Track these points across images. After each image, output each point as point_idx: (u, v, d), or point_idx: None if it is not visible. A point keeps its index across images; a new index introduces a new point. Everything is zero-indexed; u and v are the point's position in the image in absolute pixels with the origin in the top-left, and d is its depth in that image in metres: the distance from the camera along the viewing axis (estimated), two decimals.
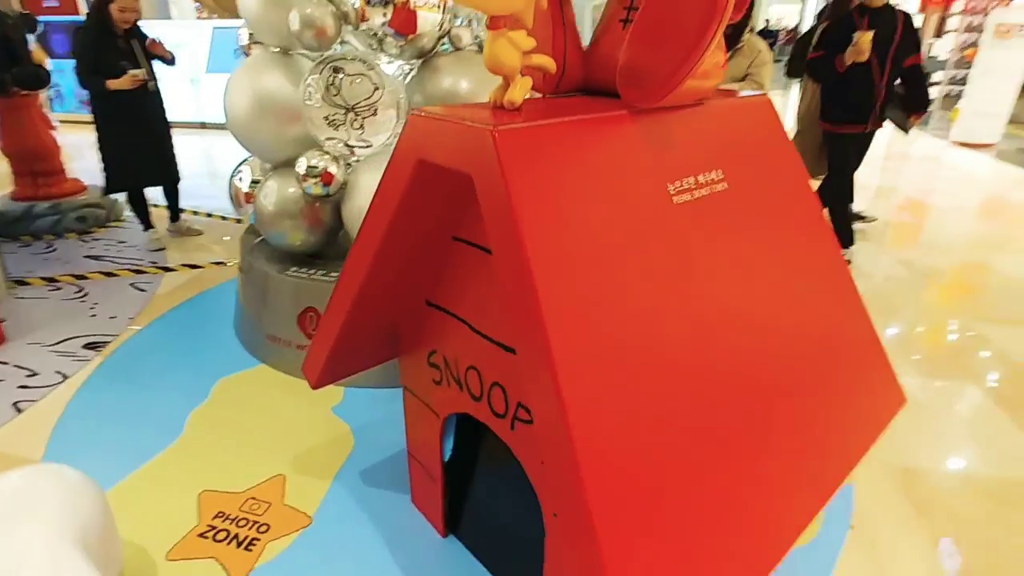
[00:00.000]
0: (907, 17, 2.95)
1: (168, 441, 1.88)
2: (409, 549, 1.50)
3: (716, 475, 0.97)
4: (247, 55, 2.43)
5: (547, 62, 1.01)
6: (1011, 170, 5.83)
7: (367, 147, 2.06)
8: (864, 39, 2.75)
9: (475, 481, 1.47)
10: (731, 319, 1.07)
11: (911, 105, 3.15)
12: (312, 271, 2.18)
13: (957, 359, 2.44)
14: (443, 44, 2.19)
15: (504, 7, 0.89)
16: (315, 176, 2.03)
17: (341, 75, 1.96)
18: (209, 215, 4.13)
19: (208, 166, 5.82)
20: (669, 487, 0.89)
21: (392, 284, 1.23)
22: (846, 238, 3.31)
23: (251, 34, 2.41)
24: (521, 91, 0.95)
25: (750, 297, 1.14)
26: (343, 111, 2.00)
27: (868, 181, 4.85)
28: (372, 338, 1.40)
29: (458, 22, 2.16)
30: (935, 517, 1.62)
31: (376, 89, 1.98)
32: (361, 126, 2.02)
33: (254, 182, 2.41)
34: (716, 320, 1.04)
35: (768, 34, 16.49)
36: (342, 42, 2.11)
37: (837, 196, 3.28)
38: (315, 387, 1.46)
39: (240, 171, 2.45)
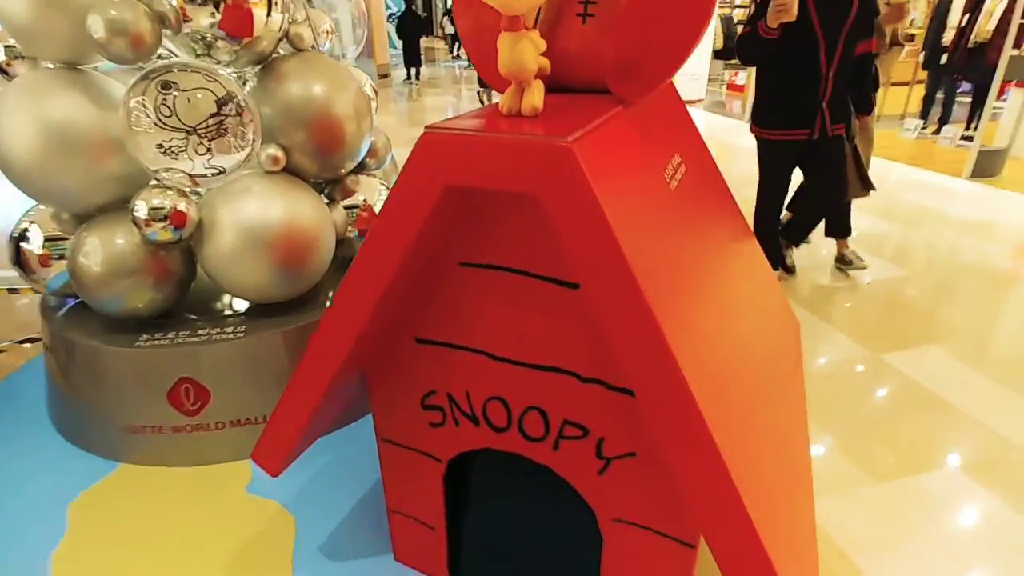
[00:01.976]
0: None
1: None
2: None
3: (773, 460, 1.04)
4: (5, 74, 1.83)
5: (546, 62, 0.94)
6: (716, 118, 7.44)
7: (219, 173, 1.72)
8: None
9: (476, 516, 1.37)
10: (729, 303, 1.15)
11: (856, 103, 2.51)
12: (172, 334, 1.77)
13: None
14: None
15: (530, 3, 0.80)
16: (162, 219, 1.63)
17: (174, 92, 1.60)
18: None
19: None
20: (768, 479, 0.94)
21: (380, 327, 1.06)
22: (775, 260, 2.82)
23: (8, 47, 1.82)
24: (540, 95, 0.88)
25: (725, 279, 1.23)
26: (182, 135, 1.63)
27: None
28: (343, 397, 1.20)
29: (299, 18, 1.90)
30: None
31: (224, 103, 1.65)
32: (208, 150, 1.67)
33: (49, 240, 1.86)
34: (727, 305, 1.11)
35: None
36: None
37: (761, 219, 2.70)
38: (277, 475, 1.21)
39: (25, 229, 1.86)
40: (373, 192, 2.09)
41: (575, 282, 0.91)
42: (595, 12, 1.08)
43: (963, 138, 5.98)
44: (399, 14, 11.71)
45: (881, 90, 3.08)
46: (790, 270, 3.05)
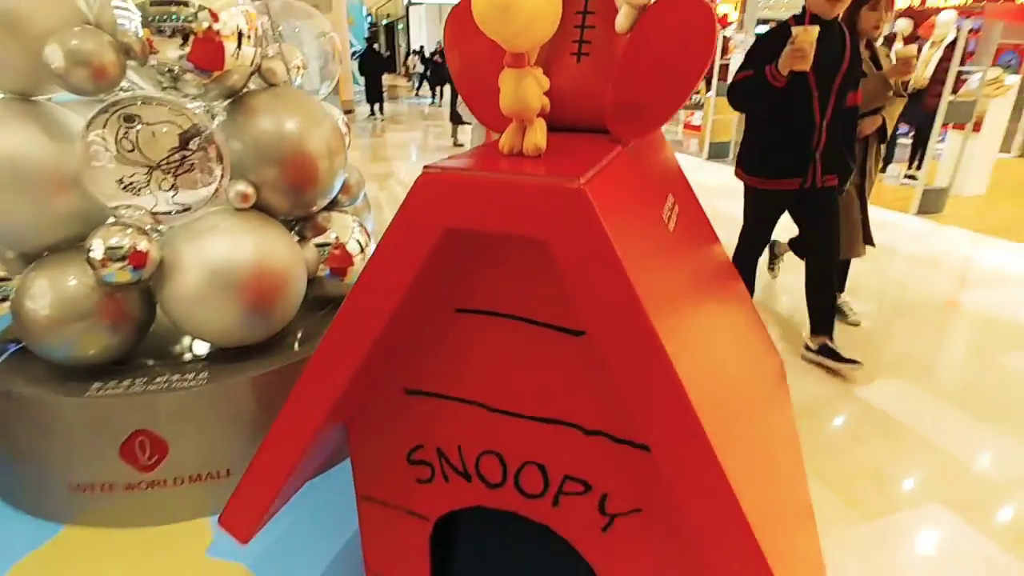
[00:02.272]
0: (853, 39, 2.25)
1: None
2: None
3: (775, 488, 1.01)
4: None
5: (547, 100, 0.91)
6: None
7: (183, 210, 1.63)
8: (806, 35, 1.96)
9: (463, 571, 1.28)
10: (728, 347, 1.13)
11: (832, 161, 2.31)
12: (127, 382, 1.64)
13: None
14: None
15: (536, 39, 0.77)
16: (120, 259, 1.52)
17: (137, 125, 1.51)
18: None
19: None
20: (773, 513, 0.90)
21: (368, 377, 0.99)
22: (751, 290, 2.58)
23: None
24: (543, 134, 0.85)
25: (722, 323, 1.21)
26: (145, 170, 1.54)
27: None
28: (322, 451, 1.11)
29: (270, 52, 1.85)
30: None
31: (191, 138, 1.58)
32: (173, 186, 1.58)
33: None
34: (726, 349, 1.08)
35: None
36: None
37: (742, 255, 2.57)
38: (247, 541, 1.10)
39: None
40: (346, 230, 2.02)
41: (580, 329, 0.87)
42: (589, 51, 1.07)
43: (907, 176, 6.30)
44: (361, 52, 11.86)
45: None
46: (840, 359, 2.54)
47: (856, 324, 3.02)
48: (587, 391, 0.90)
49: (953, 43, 5.40)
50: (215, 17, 1.59)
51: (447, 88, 10.61)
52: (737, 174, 2.51)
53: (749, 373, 1.23)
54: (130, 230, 1.55)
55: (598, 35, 1.05)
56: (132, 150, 1.53)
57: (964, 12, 7.77)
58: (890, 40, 6.19)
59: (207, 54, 1.62)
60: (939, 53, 5.96)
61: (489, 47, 0.82)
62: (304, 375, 0.96)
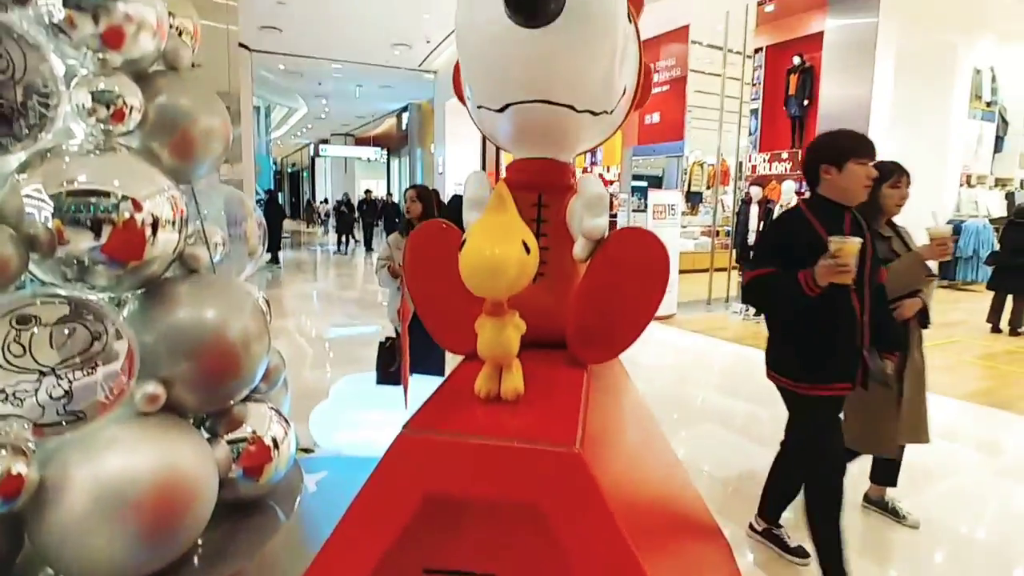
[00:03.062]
0: (865, 216, 2.07)
1: None
2: None
3: None
4: None
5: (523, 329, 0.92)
6: None
7: (77, 421, 1.42)
8: (849, 248, 1.74)
9: None
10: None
11: (886, 341, 2.13)
12: None
13: None
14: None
15: (515, 292, 0.78)
16: None
17: (33, 328, 1.35)
18: None
19: None
20: None
21: None
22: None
23: None
24: (521, 376, 0.84)
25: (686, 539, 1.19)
26: (34, 376, 1.35)
27: None
28: None
29: (191, 241, 1.78)
30: None
31: (95, 339, 1.42)
32: (67, 392, 1.39)
33: None
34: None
35: None
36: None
37: (823, 500, 2.04)
38: None
39: None
40: (262, 421, 1.84)
41: None
42: (545, 271, 1.11)
43: None
44: (264, 201, 12.00)
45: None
46: (787, 549, 2.35)
47: (915, 526, 2.60)
48: None
49: None
50: (138, 206, 1.51)
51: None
52: (772, 377, 2.14)
53: None
54: (3, 452, 1.31)
55: (553, 256, 1.10)
56: (22, 355, 1.35)
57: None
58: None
59: (125, 245, 1.52)
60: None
61: (452, 281, 0.82)
62: None
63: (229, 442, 1.77)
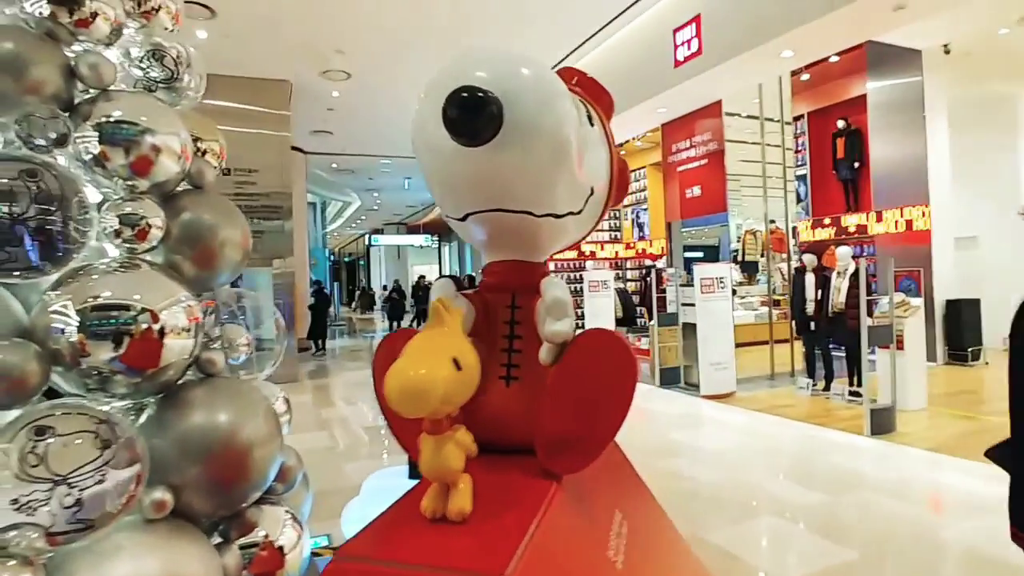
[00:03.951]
0: None
1: None
2: None
3: None
4: None
5: (474, 449, 0.88)
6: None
7: (86, 529, 1.45)
8: None
9: None
10: None
11: None
12: None
13: None
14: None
15: (454, 408, 0.76)
16: None
17: (49, 438, 1.41)
18: None
19: None
20: None
21: None
22: None
23: None
24: (468, 497, 0.79)
25: None
26: (48, 486, 1.40)
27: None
28: None
29: (214, 346, 1.86)
30: None
31: (106, 448, 1.47)
32: (78, 501, 1.43)
33: None
34: None
35: None
36: None
37: None
38: None
39: None
40: (276, 525, 1.83)
41: None
42: (518, 375, 1.08)
43: (851, 394, 6.53)
44: (314, 291, 12.75)
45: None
46: None
47: None
48: None
49: (856, 272, 6.07)
50: (155, 318, 1.60)
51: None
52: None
53: None
54: (12, 563, 1.34)
55: (525, 359, 1.08)
56: (37, 465, 1.40)
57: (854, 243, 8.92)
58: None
59: (141, 354, 1.60)
60: (846, 281, 6.67)
61: None
62: None
63: (241, 547, 1.76)
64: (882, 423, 5.29)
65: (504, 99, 0.88)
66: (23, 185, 1.50)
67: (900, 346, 6.22)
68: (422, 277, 17.65)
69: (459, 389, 0.73)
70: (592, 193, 1.16)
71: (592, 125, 1.14)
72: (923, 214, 8.04)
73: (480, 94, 0.86)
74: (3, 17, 1.59)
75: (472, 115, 0.87)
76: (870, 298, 5.66)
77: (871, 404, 5.37)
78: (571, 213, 1.13)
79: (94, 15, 1.62)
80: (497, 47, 0.96)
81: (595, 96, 1.20)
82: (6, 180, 1.48)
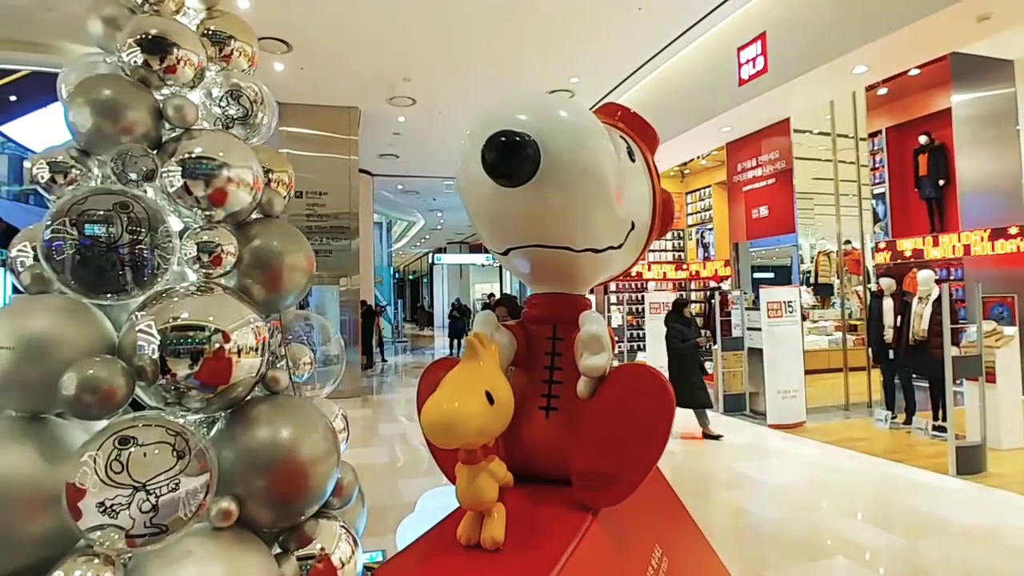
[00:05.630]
0: None
1: None
2: None
3: None
4: None
5: (509, 479, 0.90)
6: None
7: (160, 533, 1.56)
8: None
9: None
10: None
11: None
12: None
13: None
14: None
15: (488, 439, 0.79)
16: None
17: (131, 447, 1.54)
18: None
19: None
20: None
21: None
22: None
23: None
24: (501, 526, 0.82)
25: None
26: (129, 491, 1.52)
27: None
28: None
29: (279, 364, 1.97)
30: None
31: (180, 458, 1.58)
32: (154, 507, 1.54)
33: None
34: None
35: None
36: None
37: None
38: None
39: None
40: (332, 539, 1.90)
41: None
42: (558, 406, 1.10)
43: (935, 428, 6.07)
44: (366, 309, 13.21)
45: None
46: None
47: None
48: None
49: (939, 298, 5.68)
50: (227, 338, 1.73)
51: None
52: None
53: None
54: (96, 560, 1.47)
55: (566, 390, 1.09)
56: (120, 472, 1.53)
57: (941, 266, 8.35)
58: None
59: (214, 372, 1.72)
60: (928, 307, 6.24)
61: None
62: None
63: (298, 559, 1.84)
64: (970, 462, 4.89)
65: (540, 140, 0.92)
66: (116, 216, 1.66)
67: (991, 379, 5.75)
68: (491, 296, 17.85)
69: (492, 422, 0.76)
70: (633, 227, 1.18)
71: (633, 160, 1.16)
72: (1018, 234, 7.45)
73: (517, 137, 0.90)
74: (105, 66, 1.78)
75: (509, 157, 0.91)
76: (956, 326, 5.28)
77: (957, 441, 4.97)
78: (612, 247, 1.14)
79: (180, 61, 1.79)
80: (534, 92, 1.00)
81: (638, 130, 1.22)
82: (103, 211, 1.65)
